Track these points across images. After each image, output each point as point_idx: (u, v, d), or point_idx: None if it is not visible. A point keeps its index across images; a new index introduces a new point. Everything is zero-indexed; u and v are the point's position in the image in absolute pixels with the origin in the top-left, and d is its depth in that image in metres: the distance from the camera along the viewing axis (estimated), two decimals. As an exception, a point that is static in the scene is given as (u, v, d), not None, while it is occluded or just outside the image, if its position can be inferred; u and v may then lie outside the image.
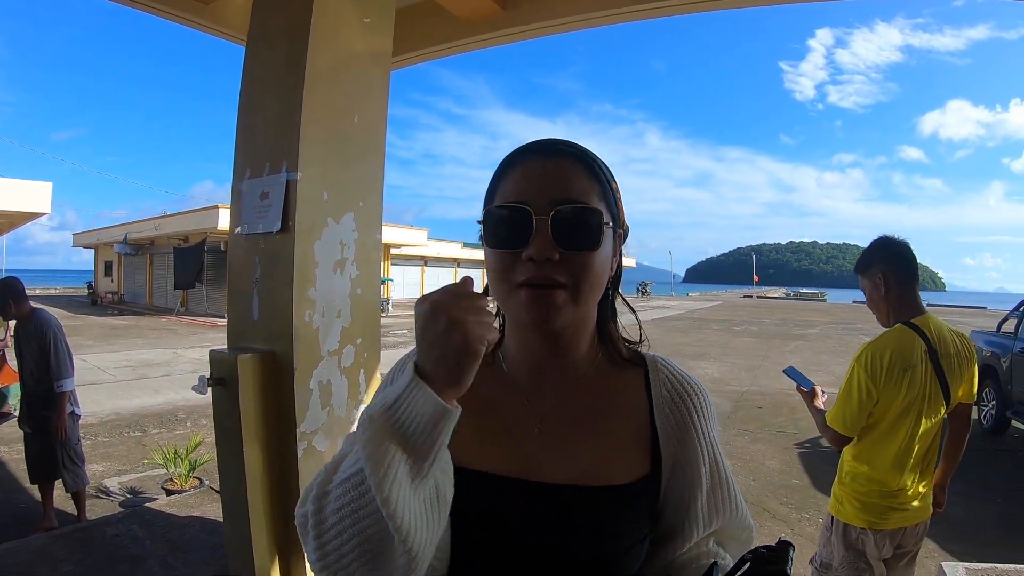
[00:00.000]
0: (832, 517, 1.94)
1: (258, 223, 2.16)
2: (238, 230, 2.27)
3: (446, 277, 39.92)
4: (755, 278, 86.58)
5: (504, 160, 0.71)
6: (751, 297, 57.17)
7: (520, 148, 0.71)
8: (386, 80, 2.41)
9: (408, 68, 3.18)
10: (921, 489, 1.86)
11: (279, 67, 2.19)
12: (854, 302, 50.81)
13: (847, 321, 24.00)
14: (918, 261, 1.95)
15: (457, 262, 39.78)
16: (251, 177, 2.22)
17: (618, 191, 0.73)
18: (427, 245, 32.25)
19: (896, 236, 1.98)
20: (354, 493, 0.56)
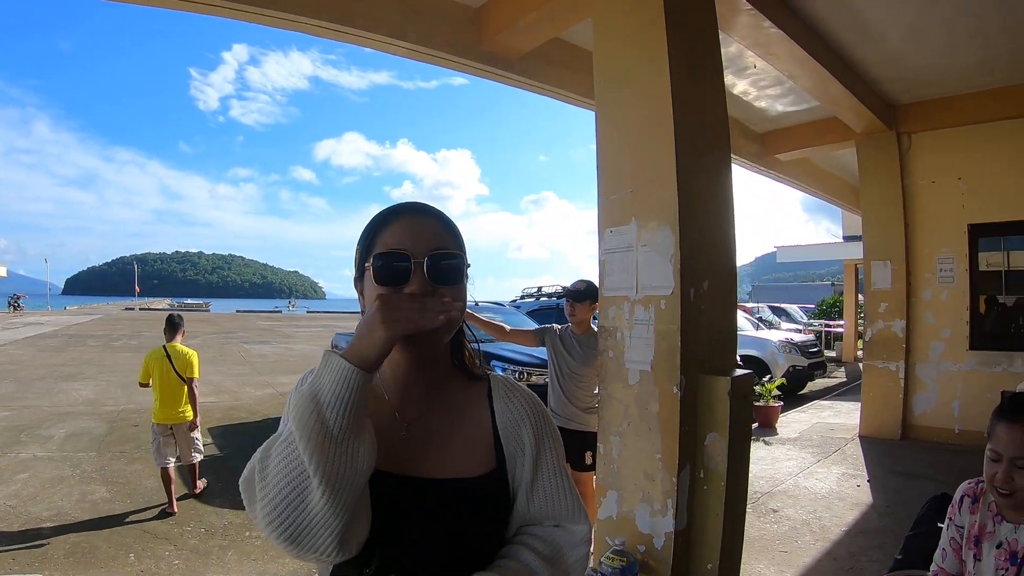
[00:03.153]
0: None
1: None
2: None
3: None
4: (137, 289, 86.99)
5: (379, 217, 0.90)
6: (133, 309, 52.63)
7: (392, 208, 0.90)
8: None
9: None
10: (165, 412, 4.21)
11: None
12: (237, 311, 53.93)
13: (229, 331, 24.32)
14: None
15: None
16: None
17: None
18: None
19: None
20: (287, 448, 0.72)
